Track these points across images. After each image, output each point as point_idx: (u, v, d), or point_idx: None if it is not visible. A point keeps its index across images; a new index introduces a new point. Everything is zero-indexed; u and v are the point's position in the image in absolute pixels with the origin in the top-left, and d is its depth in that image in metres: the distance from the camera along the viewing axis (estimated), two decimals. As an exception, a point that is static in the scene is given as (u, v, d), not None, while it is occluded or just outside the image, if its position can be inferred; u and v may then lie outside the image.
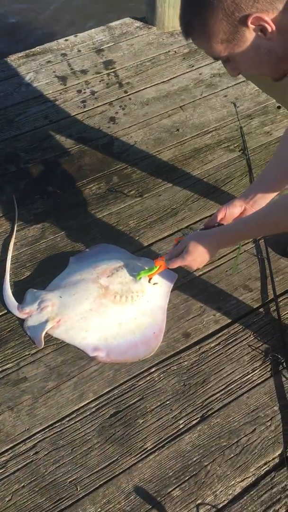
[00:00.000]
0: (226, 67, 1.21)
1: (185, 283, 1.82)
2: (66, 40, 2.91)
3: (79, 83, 2.65)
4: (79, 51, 2.83)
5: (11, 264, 1.88)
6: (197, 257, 1.52)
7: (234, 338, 1.68)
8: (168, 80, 2.66)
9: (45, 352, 1.65)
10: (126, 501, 1.36)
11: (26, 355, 1.65)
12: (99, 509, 1.35)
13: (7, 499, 1.37)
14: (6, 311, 1.76)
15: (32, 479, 1.40)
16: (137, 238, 1.97)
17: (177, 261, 1.56)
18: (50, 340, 1.68)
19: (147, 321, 1.70)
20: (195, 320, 1.72)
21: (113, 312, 1.69)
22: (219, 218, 1.59)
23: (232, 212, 1.60)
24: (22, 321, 1.72)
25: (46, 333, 1.66)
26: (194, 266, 1.57)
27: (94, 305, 1.69)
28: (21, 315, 1.72)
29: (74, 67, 2.74)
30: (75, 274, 1.78)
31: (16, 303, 1.74)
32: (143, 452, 1.44)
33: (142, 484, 1.39)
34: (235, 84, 2.61)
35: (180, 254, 1.54)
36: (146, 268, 1.74)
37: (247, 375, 1.59)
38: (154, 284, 1.76)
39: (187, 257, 1.52)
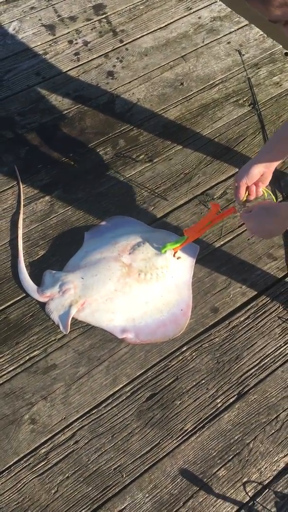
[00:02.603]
0: (284, 30, 1.08)
1: (207, 255, 1.77)
2: (48, -19, 2.64)
3: (69, 32, 2.43)
4: (65, -6, 2.58)
5: (23, 243, 1.78)
6: (256, 224, 1.45)
7: (263, 311, 1.65)
8: (165, 26, 2.46)
9: (71, 337, 1.60)
10: (173, 484, 1.37)
11: (52, 340, 1.60)
12: (147, 495, 1.36)
13: (53, 491, 1.36)
14: (24, 294, 1.68)
15: (76, 469, 1.39)
16: (152, 208, 1.88)
17: (243, 216, 1.49)
18: (75, 323, 1.62)
19: (174, 298, 1.65)
20: (222, 293, 1.68)
21: (138, 291, 1.63)
22: (242, 195, 1.50)
23: (251, 181, 1.51)
24: (42, 304, 1.65)
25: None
26: (251, 231, 1.50)
27: (119, 285, 1.63)
28: (42, 299, 1.65)
29: (61, 13, 2.50)
30: (94, 253, 1.70)
31: (35, 286, 1.66)
32: (184, 434, 1.44)
33: (187, 466, 1.40)
34: (237, 29, 2.43)
35: (249, 213, 1.47)
36: (171, 240, 1.67)
37: (280, 349, 1.58)
38: (178, 258, 1.69)
39: (249, 218, 1.46)
